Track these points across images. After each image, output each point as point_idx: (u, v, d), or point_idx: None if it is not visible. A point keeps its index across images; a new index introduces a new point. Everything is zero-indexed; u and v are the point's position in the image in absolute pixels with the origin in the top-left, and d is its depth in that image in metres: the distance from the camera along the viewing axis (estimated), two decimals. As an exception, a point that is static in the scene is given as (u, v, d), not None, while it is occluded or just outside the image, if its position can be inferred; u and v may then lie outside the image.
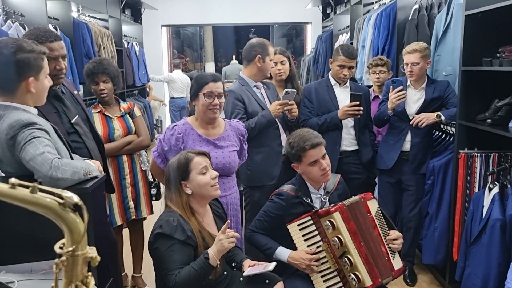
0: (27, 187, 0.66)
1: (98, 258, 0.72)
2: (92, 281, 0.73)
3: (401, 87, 3.09)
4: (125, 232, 3.27)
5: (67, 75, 2.53)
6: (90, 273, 0.71)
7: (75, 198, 0.68)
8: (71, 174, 1.69)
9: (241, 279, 2.10)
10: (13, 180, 0.66)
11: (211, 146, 2.43)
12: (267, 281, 2.10)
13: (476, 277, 2.64)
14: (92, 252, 0.71)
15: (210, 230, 2.09)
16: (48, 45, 2.18)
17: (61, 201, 0.68)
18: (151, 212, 3.18)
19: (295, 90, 2.89)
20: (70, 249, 0.68)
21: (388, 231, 2.31)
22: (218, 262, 1.95)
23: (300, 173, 2.40)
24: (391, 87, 3.14)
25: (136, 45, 8.11)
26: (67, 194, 0.68)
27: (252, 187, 2.95)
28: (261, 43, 2.94)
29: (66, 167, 1.70)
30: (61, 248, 0.68)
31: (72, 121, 2.33)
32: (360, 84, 3.96)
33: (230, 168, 2.46)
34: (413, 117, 3.12)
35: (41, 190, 0.66)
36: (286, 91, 2.85)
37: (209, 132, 2.47)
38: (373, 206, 2.30)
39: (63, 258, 0.68)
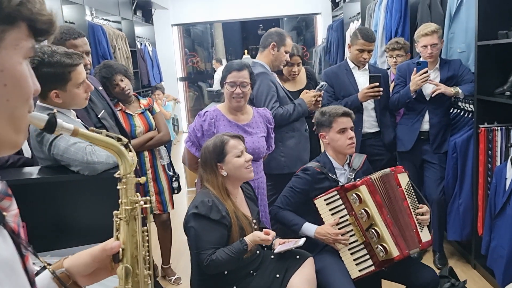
0: (100, 132, 0.97)
1: (144, 178, 1.05)
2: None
3: (426, 69, 3.09)
4: (150, 225, 3.34)
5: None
6: (138, 194, 1.03)
7: (126, 139, 1.01)
8: (106, 158, 1.76)
9: (272, 256, 2.16)
10: (93, 128, 0.97)
11: (241, 131, 2.48)
12: (297, 257, 2.15)
13: (503, 249, 2.66)
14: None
15: (243, 211, 2.16)
16: (71, 42, 2.27)
17: (118, 141, 1.00)
18: (173, 206, 3.24)
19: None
20: (125, 173, 1.00)
21: (417, 205, 2.34)
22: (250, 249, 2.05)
23: (326, 143, 2.44)
24: (415, 69, 3.13)
25: (149, 45, 8.22)
26: (122, 137, 1.01)
27: (281, 175, 2.82)
28: (280, 32, 2.96)
29: (100, 152, 1.76)
30: (118, 174, 1.02)
31: (99, 116, 2.40)
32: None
33: (259, 154, 2.51)
34: (431, 96, 3.14)
35: (107, 135, 0.99)
36: (323, 84, 2.95)
37: (239, 118, 2.53)
38: (403, 179, 2.33)
39: (123, 180, 1.01)
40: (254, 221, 2.19)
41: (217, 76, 9.04)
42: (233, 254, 1.97)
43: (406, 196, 2.29)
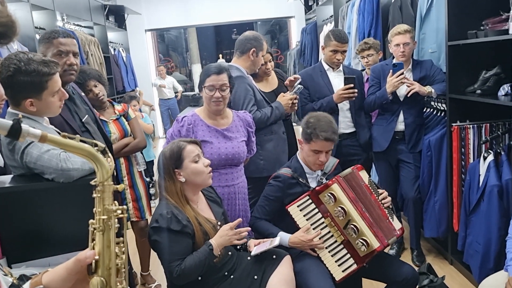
0: (73, 138, 0.91)
1: (122, 186, 1.01)
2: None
3: (402, 70, 3.15)
4: (128, 233, 3.28)
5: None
6: (116, 202, 0.99)
7: (103, 145, 0.97)
8: (81, 164, 1.72)
9: (249, 258, 2.14)
10: (64, 134, 0.90)
11: (220, 136, 2.45)
12: (274, 256, 2.14)
13: (478, 244, 2.72)
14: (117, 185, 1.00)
15: (205, 215, 2.12)
16: (60, 40, 2.21)
17: (94, 146, 0.95)
18: (151, 213, 3.19)
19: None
20: (101, 180, 0.96)
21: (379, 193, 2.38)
22: (220, 252, 2.01)
23: (300, 150, 2.44)
24: (391, 71, 3.18)
25: (123, 51, 8.13)
26: (98, 142, 0.96)
27: (260, 179, 2.81)
28: (257, 37, 2.94)
29: (75, 158, 1.72)
30: (95, 182, 0.96)
31: (83, 120, 2.35)
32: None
33: (239, 159, 2.49)
34: (405, 96, 3.19)
35: (81, 140, 0.94)
36: (299, 87, 2.95)
37: (218, 122, 2.49)
38: (364, 175, 2.37)
39: (98, 188, 0.96)
40: (219, 223, 2.14)
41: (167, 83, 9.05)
42: (200, 258, 1.94)
43: (372, 190, 2.33)
